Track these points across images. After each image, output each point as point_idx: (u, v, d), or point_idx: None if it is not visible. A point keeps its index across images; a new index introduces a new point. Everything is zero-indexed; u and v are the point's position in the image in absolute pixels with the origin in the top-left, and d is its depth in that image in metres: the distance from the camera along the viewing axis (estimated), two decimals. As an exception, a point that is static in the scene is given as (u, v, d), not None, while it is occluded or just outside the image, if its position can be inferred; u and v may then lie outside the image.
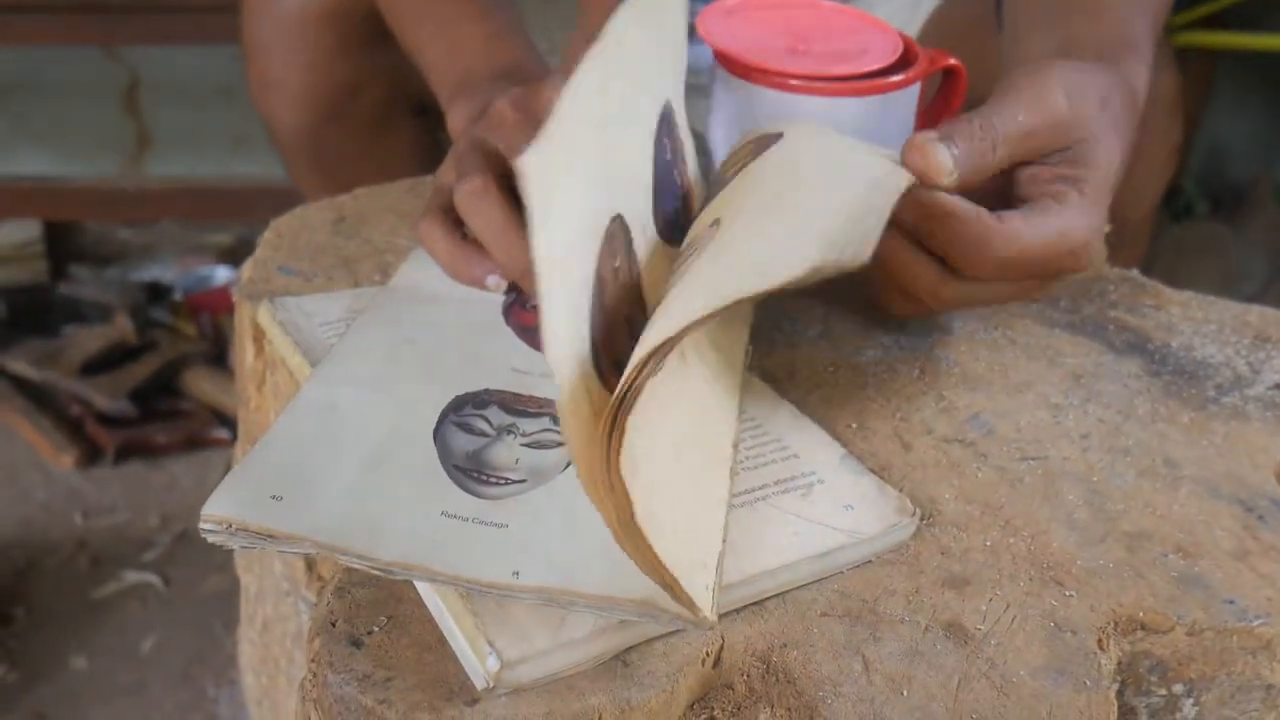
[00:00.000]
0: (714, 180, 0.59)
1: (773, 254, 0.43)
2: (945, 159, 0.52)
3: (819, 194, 0.49)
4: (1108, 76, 0.56)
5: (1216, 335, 0.64)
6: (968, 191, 0.53)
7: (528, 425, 0.49)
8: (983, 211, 0.52)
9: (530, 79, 0.64)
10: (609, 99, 0.48)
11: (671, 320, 0.40)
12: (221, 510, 0.42)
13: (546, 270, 0.38)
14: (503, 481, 0.46)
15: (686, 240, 0.53)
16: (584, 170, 0.44)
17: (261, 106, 0.96)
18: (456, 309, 0.58)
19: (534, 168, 0.37)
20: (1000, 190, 0.56)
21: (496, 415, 0.50)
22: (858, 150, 0.55)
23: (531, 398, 0.51)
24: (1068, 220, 0.53)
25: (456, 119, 0.66)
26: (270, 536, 0.42)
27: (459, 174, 0.57)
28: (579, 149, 0.44)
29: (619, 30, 0.49)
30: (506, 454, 0.47)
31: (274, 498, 0.43)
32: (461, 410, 0.50)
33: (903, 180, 0.50)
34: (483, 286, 0.59)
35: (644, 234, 0.52)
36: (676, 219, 0.57)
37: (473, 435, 0.48)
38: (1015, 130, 0.53)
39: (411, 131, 0.62)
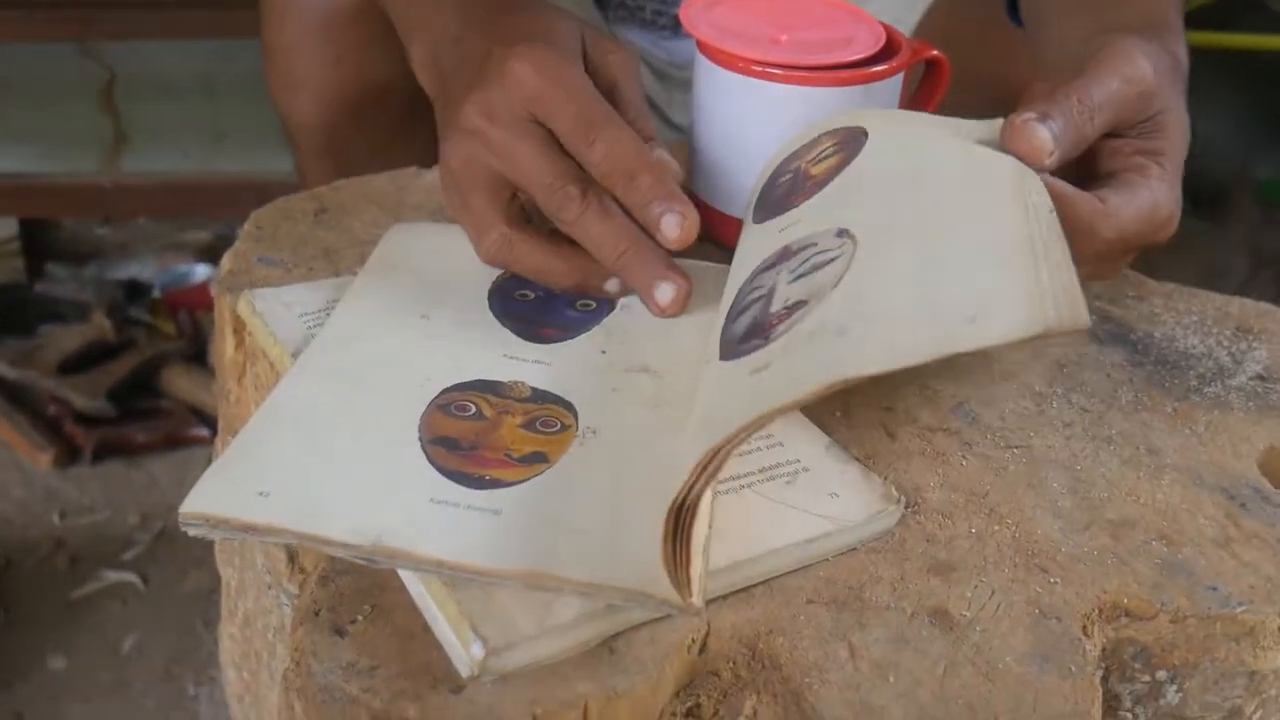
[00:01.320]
0: (789, 173, 0.58)
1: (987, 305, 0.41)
2: (1046, 139, 0.51)
3: (981, 226, 0.46)
4: (1163, 50, 0.56)
5: (1199, 326, 0.65)
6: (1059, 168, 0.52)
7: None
8: (1085, 194, 0.52)
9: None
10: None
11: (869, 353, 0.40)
12: (203, 507, 0.41)
13: None
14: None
15: (781, 251, 0.52)
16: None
17: (285, 106, 0.95)
18: (437, 294, 0.57)
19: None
20: (1076, 163, 0.55)
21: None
22: (967, 148, 0.53)
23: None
24: (1156, 194, 0.53)
25: (416, 58, 0.65)
26: (252, 529, 0.41)
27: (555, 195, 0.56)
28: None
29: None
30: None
31: (261, 494, 0.42)
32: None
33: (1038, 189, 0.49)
34: (604, 293, 0.58)
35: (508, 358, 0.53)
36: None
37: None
38: (1110, 99, 0.53)
39: (432, 133, 0.61)
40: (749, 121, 0.63)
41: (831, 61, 0.62)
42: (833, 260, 0.47)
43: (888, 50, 0.64)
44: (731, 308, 0.52)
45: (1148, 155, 0.54)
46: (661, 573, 0.40)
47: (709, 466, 0.41)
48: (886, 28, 0.66)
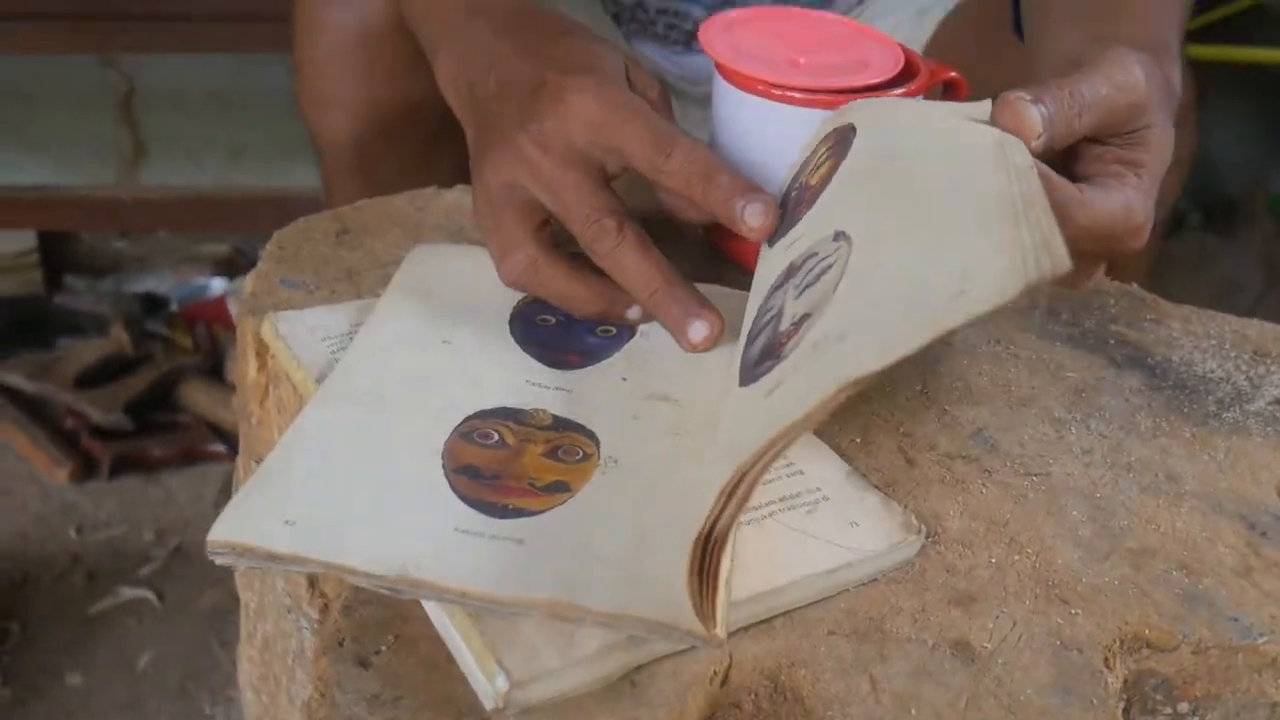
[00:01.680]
0: (795, 188, 0.59)
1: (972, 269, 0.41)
2: (1036, 120, 0.51)
3: (961, 202, 0.46)
4: (1158, 67, 0.57)
5: (1216, 350, 0.64)
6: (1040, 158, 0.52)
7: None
8: (1062, 178, 0.52)
9: (493, 12, 0.63)
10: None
11: (861, 354, 0.40)
12: (230, 535, 0.42)
13: None
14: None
15: (789, 270, 0.52)
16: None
17: (314, 123, 0.95)
18: (460, 318, 0.57)
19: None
20: (1059, 160, 0.56)
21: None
22: (950, 125, 0.53)
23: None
24: (1131, 199, 0.53)
25: (443, 72, 0.66)
26: (277, 558, 0.41)
27: (590, 229, 0.56)
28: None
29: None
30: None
31: (287, 523, 0.42)
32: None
33: (1025, 159, 0.48)
34: (625, 320, 0.58)
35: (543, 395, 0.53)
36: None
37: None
38: (1100, 102, 0.53)
39: (461, 153, 0.62)
40: (768, 144, 0.63)
41: (850, 84, 0.62)
42: (831, 266, 0.48)
43: (906, 72, 0.64)
44: (748, 333, 0.52)
45: (1127, 165, 0.55)
46: (686, 603, 0.40)
47: (734, 494, 0.41)
48: (904, 49, 0.66)
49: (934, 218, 0.45)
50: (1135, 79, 0.54)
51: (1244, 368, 0.63)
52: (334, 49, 0.92)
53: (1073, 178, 0.55)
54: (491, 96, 0.61)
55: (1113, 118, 0.54)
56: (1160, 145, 0.55)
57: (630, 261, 0.56)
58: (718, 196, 0.56)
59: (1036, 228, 0.41)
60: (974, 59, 0.89)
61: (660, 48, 1.05)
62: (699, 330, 0.56)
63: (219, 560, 0.42)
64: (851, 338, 0.42)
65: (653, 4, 1.01)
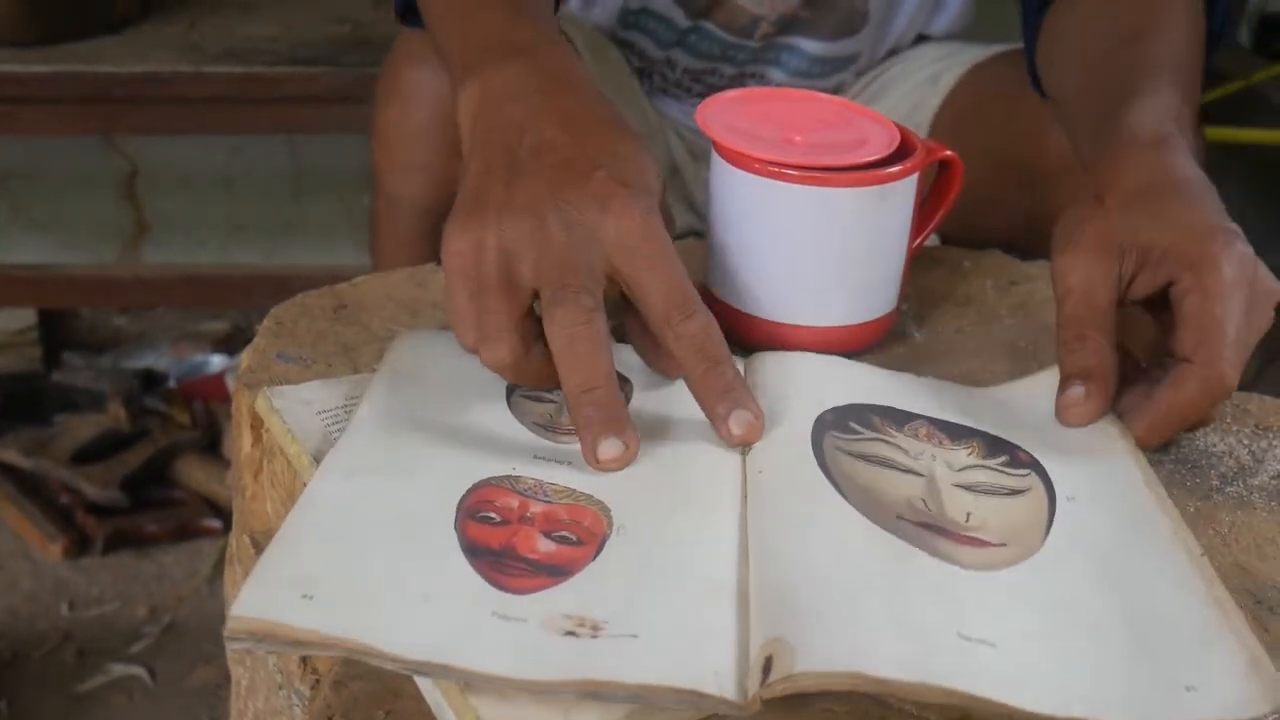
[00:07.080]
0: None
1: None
2: (1096, 410, 0.58)
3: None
4: (1111, 162, 0.60)
5: (1218, 424, 0.64)
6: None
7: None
8: (1184, 378, 0.56)
9: (538, 59, 0.61)
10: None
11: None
12: (251, 612, 0.40)
13: None
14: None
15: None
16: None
17: (396, 188, 0.96)
18: (458, 393, 0.57)
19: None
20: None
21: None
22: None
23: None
24: (1221, 296, 0.56)
25: (468, 101, 0.62)
26: (299, 643, 0.40)
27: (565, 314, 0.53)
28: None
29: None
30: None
31: (305, 597, 0.41)
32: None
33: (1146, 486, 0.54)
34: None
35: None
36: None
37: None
38: (1087, 301, 0.58)
39: None
40: (765, 222, 0.64)
41: (846, 163, 0.63)
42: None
43: (902, 151, 0.65)
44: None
45: (1174, 267, 0.57)
46: (726, 669, 0.40)
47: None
48: (900, 128, 0.67)
49: (1129, 591, 0.47)
50: (1085, 266, 0.58)
51: (1246, 442, 0.63)
52: (425, 117, 0.91)
53: (1163, 314, 0.59)
54: (525, 150, 0.57)
55: (1105, 292, 0.58)
56: (1172, 221, 0.59)
57: (583, 349, 0.53)
58: (715, 384, 0.54)
59: (1258, 649, 0.43)
60: (991, 117, 0.92)
61: (682, 104, 1.06)
62: (610, 448, 0.52)
63: (236, 647, 0.40)
64: (1027, 669, 0.42)
65: (681, 62, 1.03)
